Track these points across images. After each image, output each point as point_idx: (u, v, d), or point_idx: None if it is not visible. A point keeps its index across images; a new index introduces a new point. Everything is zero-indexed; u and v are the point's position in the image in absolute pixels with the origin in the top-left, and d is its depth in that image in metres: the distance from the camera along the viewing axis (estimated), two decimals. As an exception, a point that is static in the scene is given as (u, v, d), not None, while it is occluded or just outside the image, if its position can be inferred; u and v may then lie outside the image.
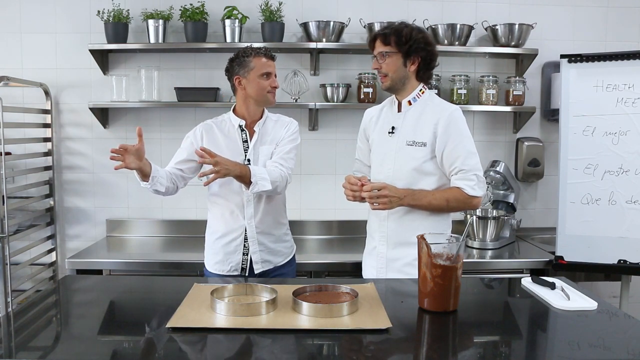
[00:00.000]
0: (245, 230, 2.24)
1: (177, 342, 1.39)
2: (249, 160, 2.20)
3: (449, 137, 2.02)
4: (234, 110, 2.29)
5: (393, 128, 2.12)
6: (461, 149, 2.02)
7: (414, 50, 2.03)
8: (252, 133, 2.25)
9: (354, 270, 2.50)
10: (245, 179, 2.06)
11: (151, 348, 1.39)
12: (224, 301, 1.58)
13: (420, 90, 2.11)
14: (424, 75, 2.11)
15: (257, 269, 2.25)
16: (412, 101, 2.10)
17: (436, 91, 3.09)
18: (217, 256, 2.29)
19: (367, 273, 2.25)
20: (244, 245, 2.24)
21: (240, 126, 2.25)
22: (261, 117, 2.28)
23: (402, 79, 2.07)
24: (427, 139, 2.05)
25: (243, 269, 2.26)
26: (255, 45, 2.99)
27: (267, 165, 2.19)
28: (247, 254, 2.25)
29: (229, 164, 2.02)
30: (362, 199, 2.02)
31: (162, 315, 1.52)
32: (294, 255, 2.42)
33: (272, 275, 2.28)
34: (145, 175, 2.04)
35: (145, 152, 2.02)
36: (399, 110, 2.13)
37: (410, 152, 2.07)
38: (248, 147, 2.23)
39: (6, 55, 3.17)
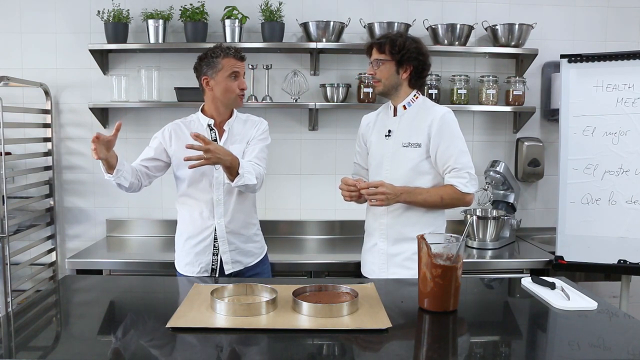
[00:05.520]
0: (215, 230, 2.23)
1: (177, 342, 1.39)
2: None
3: (441, 138, 2.12)
4: (202, 110, 2.28)
5: (389, 131, 2.22)
6: (453, 148, 2.12)
7: (406, 59, 2.13)
8: (221, 132, 2.24)
9: (355, 270, 2.50)
10: (233, 170, 2.03)
11: (151, 348, 1.39)
12: (224, 301, 1.58)
13: (414, 96, 2.21)
14: (417, 82, 2.20)
15: (228, 269, 2.24)
16: (406, 106, 2.21)
17: (436, 91, 3.09)
18: (187, 257, 2.28)
19: (367, 269, 2.30)
20: (214, 245, 2.24)
21: (209, 125, 2.24)
22: (230, 116, 2.27)
23: (395, 85, 2.18)
24: (422, 140, 2.15)
25: (213, 270, 2.25)
26: (254, 45, 3.02)
27: None
28: (217, 254, 2.24)
29: (222, 152, 1.99)
30: (359, 198, 2.12)
31: (162, 315, 1.52)
32: (266, 255, 2.42)
33: (246, 275, 2.26)
34: (110, 168, 2.03)
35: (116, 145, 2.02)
36: (395, 114, 2.23)
37: (406, 153, 2.17)
38: None
39: (6, 55, 3.17)
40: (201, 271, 2.25)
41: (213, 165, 2.02)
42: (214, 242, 2.24)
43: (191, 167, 1.99)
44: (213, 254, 2.24)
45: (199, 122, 2.27)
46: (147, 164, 2.23)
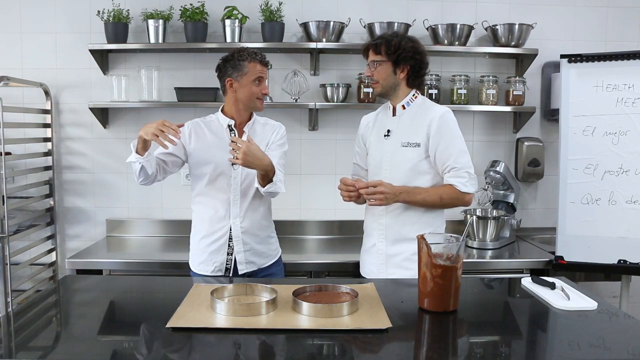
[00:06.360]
0: (230, 230, 2.23)
1: (177, 342, 1.39)
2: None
3: (441, 138, 2.11)
4: (222, 110, 2.29)
5: (388, 131, 2.22)
6: (452, 148, 2.11)
7: (402, 58, 2.12)
8: (240, 134, 2.25)
9: (354, 270, 2.50)
10: (266, 177, 2.06)
11: (151, 348, 1.39)
12: (224, 301, 1.58)
13: (413, 96, 2.21)
14: (415, 82, 2.20)
15: (241, 269, 2.25)
16: (405, 105, 2.20)
17: (436, 91, 3.09)
18: (201, 256, 2.28)
19: (365, 270, 2.30)
20: (229, 245, 2.24)
21: (229, 126, 2.24)
22: (250, 118, 2.29)
23: (393, 85, 2.17)
24: (421, 139, 2.14)
25: (227, 269, 2.25)
26: (254, 45, 3.02)
27: None
28: (231, 254, 2.24)
29: (257, 158, 2.00)
30: (358, 198, 2.12)
31: (162, 315, 1.52)
32: (281, 257, 2.42)
33: (259, 276, 2.27)
34: (144, 149, 2.04)
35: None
36: (394, 114, 2.22)
37: (405, 152, 2.16)
38: None
39: (6, 55, 3.17)
40: (215, 270, 2.25)
41: (244, 166, 2.02)
42: (229, 241, 2.24)
43: (230, 160, 2.02)
44: (227, 254, 2.24)
45: (218, 122, 2.27)
46: (165, 158, 2.22)
